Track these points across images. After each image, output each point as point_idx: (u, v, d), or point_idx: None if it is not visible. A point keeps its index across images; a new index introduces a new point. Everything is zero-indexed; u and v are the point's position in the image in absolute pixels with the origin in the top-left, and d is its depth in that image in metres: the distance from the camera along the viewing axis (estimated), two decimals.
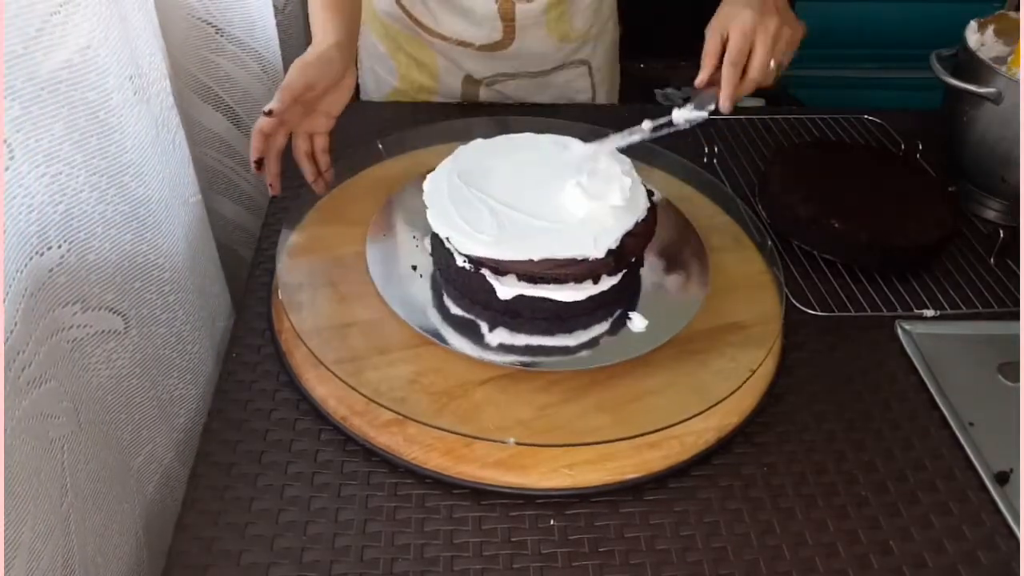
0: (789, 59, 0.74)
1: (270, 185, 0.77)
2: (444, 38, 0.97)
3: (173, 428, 0.73)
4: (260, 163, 0.74)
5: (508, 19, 0.94)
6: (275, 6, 0.98)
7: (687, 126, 0.73)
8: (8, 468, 0.48)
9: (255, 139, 0.73)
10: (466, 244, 0.66)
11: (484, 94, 1.05)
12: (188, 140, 0.92)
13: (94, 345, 0.62)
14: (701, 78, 0.73)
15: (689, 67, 0.76)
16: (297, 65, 0.74)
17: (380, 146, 0.87)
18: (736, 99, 0.72)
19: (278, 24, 0.97)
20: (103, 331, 0.62)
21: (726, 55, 0.71)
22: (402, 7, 0.97)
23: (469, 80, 1.03)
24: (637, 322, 0.70)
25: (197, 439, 0.64)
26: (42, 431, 0.52)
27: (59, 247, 0.56)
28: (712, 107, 0.72)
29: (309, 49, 0.76)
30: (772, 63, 0.72)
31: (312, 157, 0.79)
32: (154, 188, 0.64)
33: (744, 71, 0.72)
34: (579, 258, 0.65)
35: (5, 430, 0.47)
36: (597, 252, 0.65)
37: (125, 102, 0.59)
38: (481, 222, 0.67)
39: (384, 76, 1.07)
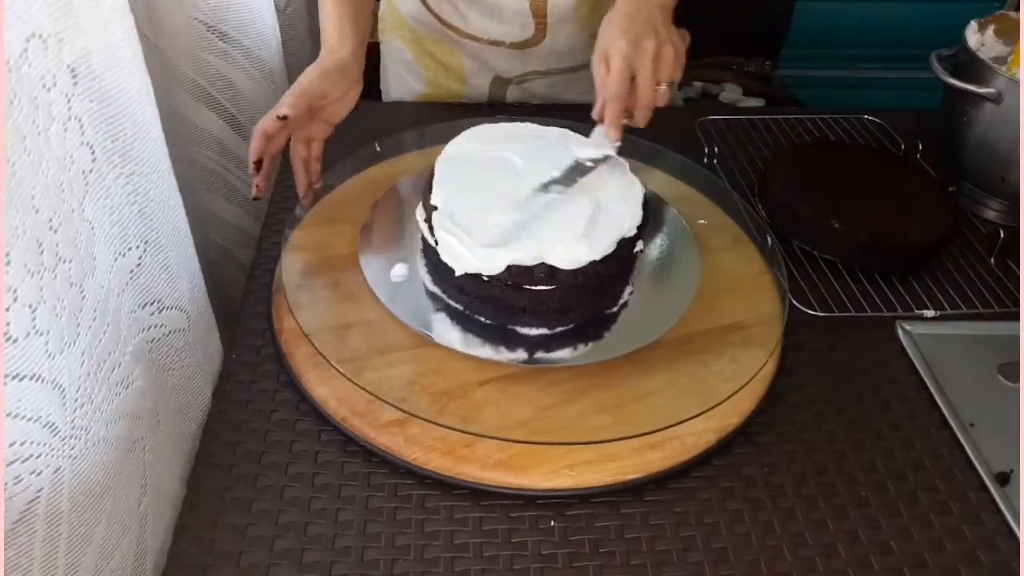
0: (680, 72, 0.71)
1: (257, 186, 0.75)
2: (474, 38, 0.97)
3: None
4: (259, 164, 0.74)
5: (540, 15, 0.93)
6: (277, 7, 0.98)
7: (594, 165, 0.72)
8: (89, 468, 0.48)
9: (258, 140, 0.72)
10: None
11: (512, 94, 1.05)
12: (185, 141, 0.92)
13: (168, 344, 0.62)
14: (596, 109, 0.71)
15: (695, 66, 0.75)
16: (316, 72, 0.75)
17: (377, 148, 0.87)
18: (622, 128, 0.71)
19: (280, 25, 0.97)
20: (175, 330, 0.63)
21: (606, 90, 0.69)
22: (429, 10, 0.97)
23: (498, 81, 1.03)
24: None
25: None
26: (126, 432, 0.53)
27: (137, 248, 0.57)
28: (616, 145, 0.71)
29: (324, 56, 0.76)
30: (662, 85, 0.69)
31: (306, 164, 0.79)
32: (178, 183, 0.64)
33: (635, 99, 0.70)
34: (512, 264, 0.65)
35: (88, 432, 0.47)
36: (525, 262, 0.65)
37: (151, 101, 0.59)
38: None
39: (411, 82, 1.06)
